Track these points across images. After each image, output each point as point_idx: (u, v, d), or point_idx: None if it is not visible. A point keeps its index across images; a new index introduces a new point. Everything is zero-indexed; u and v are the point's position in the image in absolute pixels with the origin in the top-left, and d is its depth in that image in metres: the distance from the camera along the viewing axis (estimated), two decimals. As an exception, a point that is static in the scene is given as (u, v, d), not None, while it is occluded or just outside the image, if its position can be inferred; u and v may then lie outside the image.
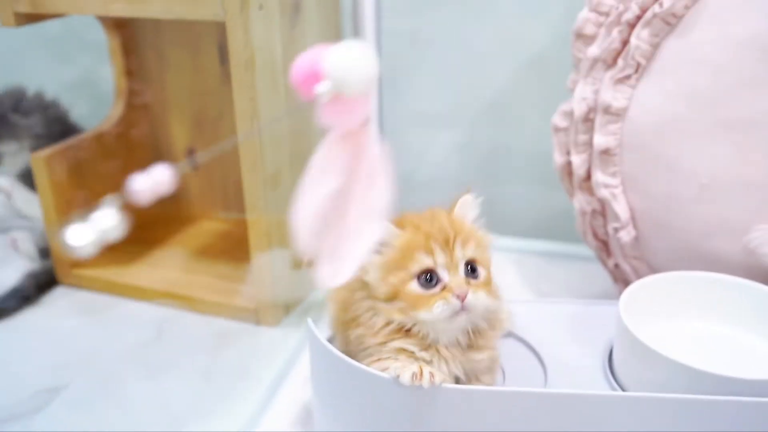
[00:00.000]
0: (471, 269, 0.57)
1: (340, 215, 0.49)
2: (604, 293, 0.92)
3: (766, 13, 0.65)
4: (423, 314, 0.55)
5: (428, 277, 0.56)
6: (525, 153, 1.09)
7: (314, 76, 0.37)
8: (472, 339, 0.58)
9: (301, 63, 0.38)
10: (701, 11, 0.68)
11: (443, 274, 0.56)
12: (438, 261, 0.56)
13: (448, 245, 0.56)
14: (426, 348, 0.57)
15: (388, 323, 0.57)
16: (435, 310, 0.55)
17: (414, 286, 0.56)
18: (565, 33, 0.81)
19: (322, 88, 0.37)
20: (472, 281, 0.56)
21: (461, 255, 0.56)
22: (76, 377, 0.83)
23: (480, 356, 0.58)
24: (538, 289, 0.97)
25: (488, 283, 0.58)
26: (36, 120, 1.08)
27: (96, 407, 0.79)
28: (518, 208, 1.12)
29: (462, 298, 0.55)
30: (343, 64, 0.38)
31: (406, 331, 0.57)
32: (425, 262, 0.56)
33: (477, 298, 0.55)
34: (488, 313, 0.58)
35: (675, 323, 0.67)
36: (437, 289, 0.56)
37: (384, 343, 0.57)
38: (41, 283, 1.01)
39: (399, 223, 0.59)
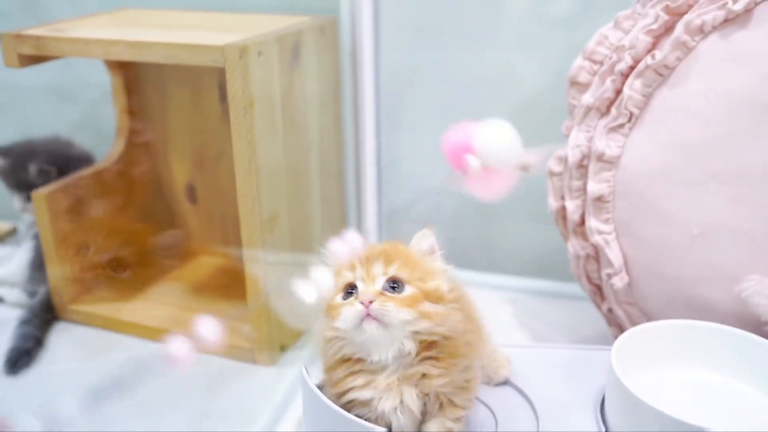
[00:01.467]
0: (392, 286, 0.58)
1: None
2: (599, 334, 0.92)
3: (754, 69, 0.66)
4: (336, 322, 0.58)
5: (349, 291, 0.59)
6: (522, 192, 1.10)
7: (465, 150, 0.40)
8: (426, 364, 0.58)
9: (453, 137, 0.41)
10: (692, 64, 0.69)
11: (360, 286, 0.58)
12: (357, 275, 0.58)
13: (369, 262, 0.59)
14: (373, 373, 0.58)
15: (335, 354, 0.59)
16: (341, 315, 0.57)
17: (338, 299, 0.59)
18: (561, 74, 0.83)
19: (473, 161, 0.40)
20: (389, 294, 0.57)
21: (381, 271, 0.58)
22: (72, 415, 0.84)
23: (439, 381, 0.58)
24: (534, 328, 0.98)
25: (413, 301, 0.58)
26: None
27: (91, 447, 0.79)
28: (514, 247, 1.13)
29: (365, 304, 0.56)
30: (492, 142, 0.40)
31: (355, 361, 0.59)
32: (347, 276, 0.59)
33: (385, 307, 0.56)
34: (407, 326, 0.57)
35: (667, 372, 0.67)
36: (351, 298, 0.58)
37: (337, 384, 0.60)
38: (43, 322, 1.01)
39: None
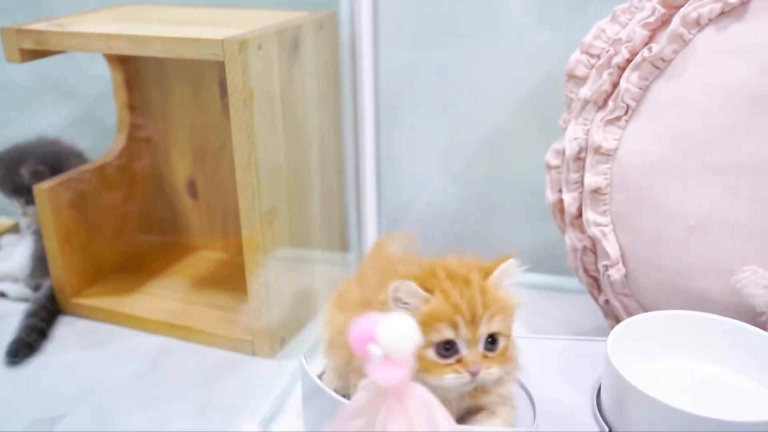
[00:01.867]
0: (491, 341, 0.57)
1: None
2: (596, 327, 0.92)
3: (751, 61, 0.66)
4: (432, 380, 0.55)
5: (446, 347, 0.55)
6: (520, 187, 1.10)
7: (368, 339, 0.44)
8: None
9: (360, 326, 0.45)
10: (689, 57, 0.70)
11: (462, 348, 0.56)
12: (460, 335, 0.55)
13: (474, 322, 0.55)
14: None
15: None
16: (445, 381, 0.55)
17: (431, 353, 0.55)
18: (560, 72, 0.83)
19: (375, 350, 0.43)
20: (489, 355, 0.56)
21: (485, 330, 0.56)
22: (74, 408, 0.84)
23: (487, 399, 0.59)
24: (531, 321, 0.98)
25: (504, 354, 0.57)
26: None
27: (92, 438, 0.80)
28: (513, 242, 1.13)
29: (474, 375, 0.55)
30: (393, 335, 0.44)
31: None
32: (447, 334, 0.55)
33: (490, 373, 0.56)
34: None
35: (663, 362, 0.68)
36: (452, 360, 0.55)
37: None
38: (48, 314, 1.02)
39: (427, 280, 0.57)
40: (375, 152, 1.08)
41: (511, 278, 0.59)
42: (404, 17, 1.05)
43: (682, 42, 0.70)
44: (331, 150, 1.04)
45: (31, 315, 1.00)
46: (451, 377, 0.55)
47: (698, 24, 0.69)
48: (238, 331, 0.95)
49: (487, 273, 0.58)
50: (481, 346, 0.56)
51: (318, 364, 0.68)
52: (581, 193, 0.78)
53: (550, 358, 0.74)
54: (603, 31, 0.78)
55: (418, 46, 1.07)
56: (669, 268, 0.73)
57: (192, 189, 1.15)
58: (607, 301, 0.82)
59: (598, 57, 0.78)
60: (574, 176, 0.79)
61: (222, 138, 1.09)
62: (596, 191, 0.76)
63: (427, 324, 0.55)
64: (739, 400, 0.64)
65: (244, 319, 0.96)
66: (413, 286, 0.55)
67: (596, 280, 0.82)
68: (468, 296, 0.56)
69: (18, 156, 1.07)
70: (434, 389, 0.55)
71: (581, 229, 0.80)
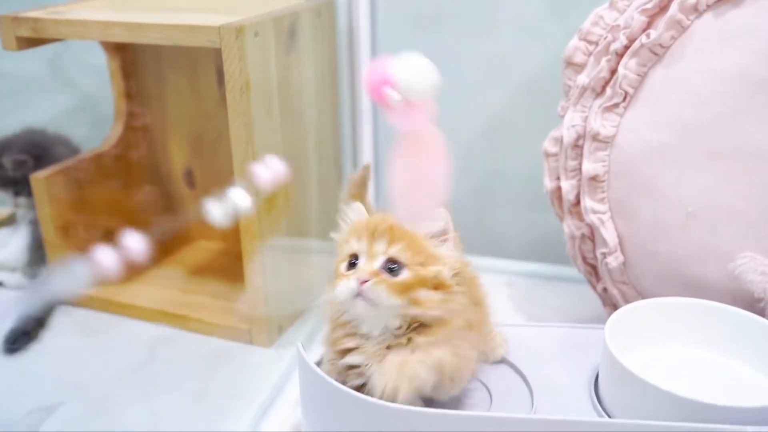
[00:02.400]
0: (391, 267, 0.58)
1: (416, 187, 0.58)
2: (595, 315, 0.92)
3: (748, 47, 0.66)
4: (334, 290, 0.59)
5: (353, 262, 0.60)
6: (518, 176, 1.10)
7: (384, 83, 0.42)
8: (415, 332, 0.59)
9: (373, 71, 0.43)
10: (686, 43, 0.69)
11: (361, 261, 0.59)
12: (361, 248, 0.59)
13: (373, 237, 0.59)
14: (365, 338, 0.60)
15: (337, 316, 0.61)
16: (339, 286, 0.58)
17: (342, 267, 0.60)
18: (558, 59, 0.83)
19: (393, 95, 0.41)
20: (385, 276, 0.58)
21: (382, 249, 0.59)
22: (71, 397, 0.84)
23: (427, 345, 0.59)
24: (530, 311, 0.98)
25: (406, 288, 0.58)
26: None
27: (89, 427, 0.79)
28: (511, 231, 1.13)
29: (360, 282, 0.57)
30: (410, 75, 0.42)
31: (353, 326, 0.60)
32: (353, 246, 0.60)
33: (376, 290, 0.57)
34: (394, 310, 0.58)
35: (660, 349, 0.68)
36: (351, 272, 0.59)
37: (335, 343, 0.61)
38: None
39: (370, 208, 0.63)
40: (372, 140, 1.07)
41: (438, 224, 0.61)
42: (402, 4, 1.04)
43: (681, 28, 0.70)
44: (328, 137, 1.04)
45: None
46: (342, 284, 0.58)
47: (696, 10, 0.69)
48: (235, 320, 0.95)
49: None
50: (377, 263, 0.58)
51: (316, 352, 0.68)
52: (579, 180, 0.78)
53: (548, 346, 0.73)
54: (601, 17, 0.78)
55: (416, 33, 1.06)
56: (667, 255, 0.73)
57: (189, 178, 1.15)
58: (605, 289, 0.82)
59: (597, 44, 0.78)
60: (572, 164, 0.79)
61: (219, 126, 1.08)
62: (594, 178, 0.75)
63: (345, 239, 0.61)
64: (737, 386, 0.64)
65: (241, 308, 0.96)
66: (359, 206, 0.64)
67: (594, 268, 0.82)
68: (378, 220, 0.61)
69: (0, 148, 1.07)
70: (361, 324, 0.60)
71: (579, 216, 0.79)
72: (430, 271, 0.59)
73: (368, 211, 0.66)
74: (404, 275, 0.58)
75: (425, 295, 0.59)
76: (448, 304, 0.60)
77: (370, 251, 0.59)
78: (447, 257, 0.61)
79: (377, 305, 0.57)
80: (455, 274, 0.61)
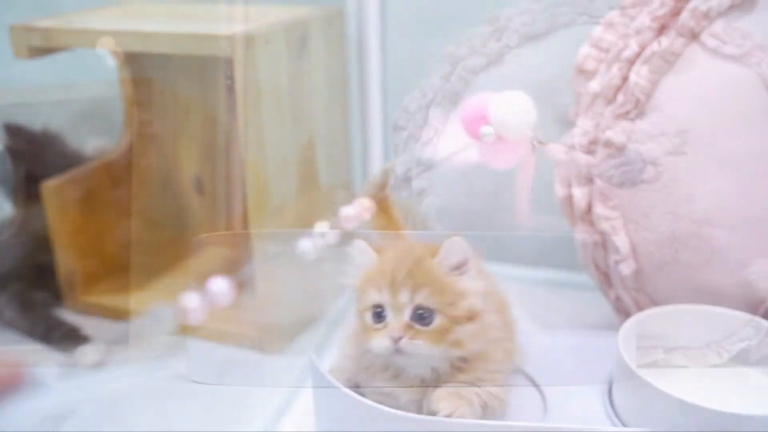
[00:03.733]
0: (421, 314, 0.57)
1: None
2: (607, 322, 0.92)
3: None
4: (369, 345, 0.57)
5: (378, 311, 0.58)
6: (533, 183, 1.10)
7: (480, 119, 0.41)
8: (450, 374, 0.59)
9: (470, 107, 0.42)
10: (698, 49, 0.69)
11: (389, 314, 0.57)
12: (384, 300, 0.57)
13: (394, 286, 0.57)
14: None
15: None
16: (371, 345, 0.57)
17: (368, 317, 0.58)
18: (569, 65, 0.83)
19: (486, 130, 0.41)
20: (417, 327, 0.56)
21: (407, 299, 0.56)
22: (81, 405, 0.84)
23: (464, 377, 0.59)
24: (542, 317, 0.98)
25: (443, 334, 0.57)
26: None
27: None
28: (523, 237, 1.13)
29: (395, 341, 0.56)
30: (507, 113, 0.41)
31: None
32: (373, 297, 0.58)
33: (414, 345, 0.56)
34: (437, 357, 0.58)
35: (674, 357, 0.68)
36: (381, 325, 0.57)
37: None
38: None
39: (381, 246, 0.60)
40: (383, 148, 1.07)
41: (455, 256, 0.59)
42: (412, 10, 1.04)
43: (692, 35, 0.69)
44: (339, 145, 1.04)
45: None
46: (375, 341, 0.56)
47: (708, 17, 0.69)
48: (245, 328, 0.95)
49: (433, 252, 0.59)
50: (406, 316, 0.56)
51: (327, 360, 0.68)
52: (591, 187, 0.78)
53: (561, 353, 0.73)
54: (612, 24, 0.78)
55: (426, 39, 1.06)
56: (680, 262, 0.72)
57: (199, 185, 1.15)
58: (618, 297, 0.82)
59: (608, 51, 0.78)
60: (583, 171, 0.78)
61: (229, 134, 1.08)
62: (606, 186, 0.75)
63: (362, 287, 0.59)
64: (752, 394, 0.64)
65: (251, 316, 0.96)
66: (363, 244, 0.59)
67: (607, 275, 0.82)
68: (398, 262, 0.58)
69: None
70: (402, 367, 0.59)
71: (591, 224, 0.79)
72: (461, 309, 0.58)
73: (393, 211, 0.64)
74: (437, 321, 0.57)
75: (463, 332, 0.58)
76: (486, 332, 0.59)
77: (395, 303, 0.57)
78: (473, 289, 0.59)
79: (418, 356, 0.57)
80: (487, 294, 0.60)
